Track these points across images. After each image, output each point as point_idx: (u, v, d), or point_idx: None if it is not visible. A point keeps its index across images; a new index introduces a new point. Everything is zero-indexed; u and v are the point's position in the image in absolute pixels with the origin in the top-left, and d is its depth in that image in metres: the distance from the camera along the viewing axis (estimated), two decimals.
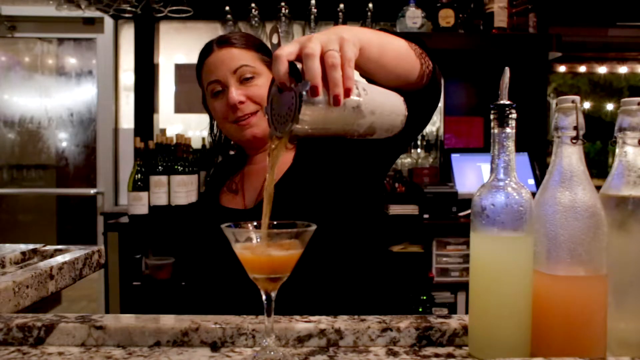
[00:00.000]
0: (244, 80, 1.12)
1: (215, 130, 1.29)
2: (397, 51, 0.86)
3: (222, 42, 1.16)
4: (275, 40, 0.69)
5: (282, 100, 0.67)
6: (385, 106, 0.73)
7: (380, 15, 2.96)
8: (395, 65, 0.85)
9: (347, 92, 0.66)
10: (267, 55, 1.18)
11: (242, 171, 1.23)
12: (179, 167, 2.44)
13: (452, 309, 2.66)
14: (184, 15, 2.82)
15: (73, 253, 1.14)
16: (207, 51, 1.17)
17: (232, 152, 1.31)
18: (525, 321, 0.66)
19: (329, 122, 0.67)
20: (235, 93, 1.11)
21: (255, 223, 0.73)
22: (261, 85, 1.12)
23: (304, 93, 0.64)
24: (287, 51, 0.66)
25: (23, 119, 3.51)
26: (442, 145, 3.18)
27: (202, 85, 1.20)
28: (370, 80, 0.84)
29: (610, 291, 0.66)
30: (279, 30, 0.69)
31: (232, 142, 1.27)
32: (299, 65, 0.66)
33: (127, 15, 2.87)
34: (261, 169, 1.18)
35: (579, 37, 3.24)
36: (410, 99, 0.83)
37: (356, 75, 0.72)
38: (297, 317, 0.80)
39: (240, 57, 1.13)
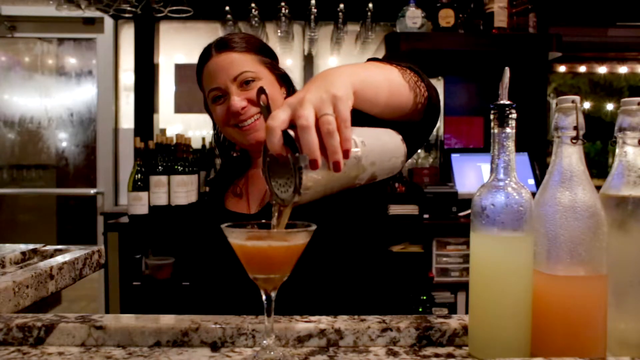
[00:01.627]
0: (244, 84, 1.12)
1: (219, 133, 1.28)
2: (391, 86, 0.83)
3: (220, 46, 1.14)
4: (263, 102, 0.67)
5: (280, 168, 0.66)
6: (384, 154, 0.73)
7: (380, 15, 2.97)
8: (391, 100, 0.83)
9: (346, 154, 0.64)
10: (268, 56, 1.17)
11: (246, 174, 1.23)
12: (179, 167, 2.44)
13: (452, 309, 2.66)
14: (184, 15, 2.82)
15: (73, 253, 1.14)
16: (206, 56, 1.16)
17: (234, 154, 1.31)
18: (525, 321, 0.66)
19: (331, 185, 0.67)
20: (237, 100, 1.10)
21: (255, 223, 0.73)
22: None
23: (303, 167, 0.62)
24: (279, 121, 0.63)
25: (23, 119, 3.51)
26: (442, 145, 3.18)
27: (202, 89, 1.19)
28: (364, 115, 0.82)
29: (610, 291, 0.66)
30: (266, 92, 0.67)
31: (235, 146, 1.27)
32: (293, 134, 0.64)
33: (127, 15, 2.87)
34: None
35: (579, 37, 3.24)
36: (407, 128, 0.83)
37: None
38: (297, 317, 0.80)
39: (240, 62, 1.12)
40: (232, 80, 1.11)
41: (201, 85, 1.19)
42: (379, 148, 0.72)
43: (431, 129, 0.99)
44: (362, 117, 0.77)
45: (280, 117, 0.63)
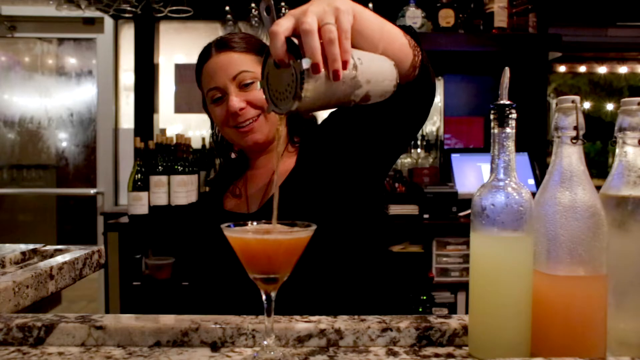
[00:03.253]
0: (243, 86, 1.11)
1: (217, 132, 1.28)
2: (390, 32, 0.84)
3: (220, 46, 1.14)
4: (268, 12, 0.68)
5: (280, 77, 0.67)
6: (379, 73, 0.74)
7: (380, 15, 2.96)
8: (387, 46, 0.83)
9: (345, 65, 0.66)
10: None
11: (245, 175, 1.23)
12: (179, 167, 2.44)
13: (452, 309, 2.66)
14: (184, 15, 2.82)
15: (73, 253, 1.14)
16: (205, 55, 1.16)
17: (233, 155, 1.31)
18: (525, 321, 0.66)
19: (328, 96, 0.68)
20: (236, 100, 1.09)
21: (255, 223, 0.73)
22: (261, 90, 1.11)
23: (305, 71, 0.64)
24: (283, 27, 0.65)
25: (23, 119, 3.51)
26: (442, 145, 3.18)
27: (201, 89, 1.19)
28: None
29: (610, 291, 0.66)
30: (271, 3, 0.69)
31: (233, 146, 1.27)
32: (295, 41, 0.65)
33: (127, 15, 2.87)
34: (264, 173, 1.17)
35: (579, 37, 3.24)
36: (403, 91, 0.83)
37: None
38: (297, 317, 0.80)
39: (239, 62, 1.12)
40: (231, 80, 1.11)
41: (200, 85, 1.19)
42: (374, 67, 0.74)
43: (427, 102, 0.99)
44: None
45: (284, 24, 0.65)
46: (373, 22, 0.79)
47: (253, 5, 2.93)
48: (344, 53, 0.66)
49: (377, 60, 0.76)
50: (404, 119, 1.01)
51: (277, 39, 0.65)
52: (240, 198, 1.19)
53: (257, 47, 1.16)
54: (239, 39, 1.15)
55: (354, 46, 0.77)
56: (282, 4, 2.91)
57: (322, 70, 0.64)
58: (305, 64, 0.64)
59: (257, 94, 1.10)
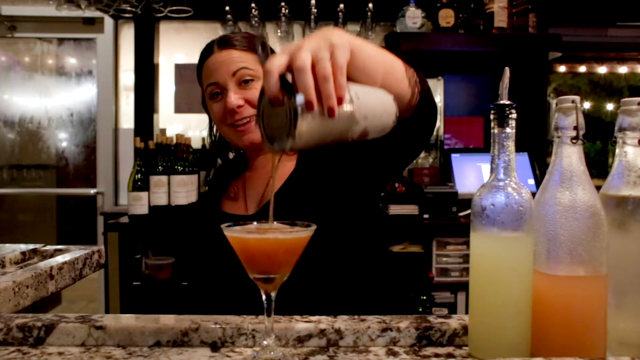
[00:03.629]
0: (242, 83, 1.11)
1: (214, 132, 1.28)
2: (390, 65, 0.82)
3: (223, 43, 1.14)
4: (261, 49, 0.68)
5: (275, 114, 0.66)
6: (377, 109, 0.73)
7: (380, 15, 2.97)
8: (387, 79, 0.81)
9: (340, 101, 0.64)
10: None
11: (243, 176, 1.22)
12: (179, 167, 2.44)
13: (452, 309, 2.66)
14: (184, 15, 2.82)
15: (73, 253, 1.14)
16: (207, 52, 1.16)
17: (231, 154, 1.31)
18: (525, 321, 0.66)
19: (324, 134, 0.67)
20: (234, 97, 1.09)
21: (256, 223, 0.73)
22: (260, 89, 1.11)
23: (299, 108, 0.62)
24: (277, 64, 0.64)
25: (23, 119, 3.51)
26: (442, 145, 3.18)
27: (201, 85, 1.19)
28: None
29: (610, 291, 0.66)
30: (265, 39, 0.68)
31: (231, 145, 1.27)
32: (289, 78, 0.64)
33: (127, 15, 2.87)
34: (263, 174, 1.17)
35: (579, 37, 3.24)
36: (403, 123, 0.82)
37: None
38: (297, 317, 0.80)
39: (240, 59, 1.12)
40: (231, 76, 1.11)
41: (200, 81, 1.19)
42: (372, 102, 0.72)
43: (427, 132, 0.97)
44: None
45: (277, 61, 0.64)
46: (372, 55, 0.77)
47: (253, 5, 2.93)
48: (339, 89, 0.64)
49: (376, 95, 0.74)
50: (405, 146, 1.01)
51: (271, 77, 0.63)
52: (238, 199, 1.19)
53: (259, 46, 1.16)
54: (241, 37, 1.16)
55: (352, 80, 0.76)
56: (282, 3, 2.92)
57: (317, 107, 0.63)
58: (299, 101, 0.62)
59: (256, 92, 1.10)
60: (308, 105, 0.62)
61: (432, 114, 0.94)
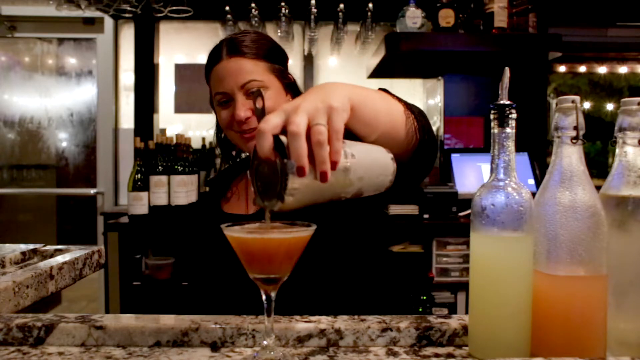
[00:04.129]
0: (251, 94, 1.10)
1: (221, 132, 1.27)
2: (391, 116, 0.81)
3: (232, 50, 1.12)
4: (259, 104, 0.67)
5: (268, 173, 0.65)
6: (373, 169, 0.72)
7: (380, 16, 2.97)
8: (388, 130, 0.81)
9: (334, 165, 0.64)
10: (278, 61, 1.16)
11: (246, 176, 1.23)
12: (179, 167, 2.44)
13: (452, 309, 2.66)
14: (184, 15, 2.82)
15: (73, 253, 1.14)
16: (216, 57, 1.14)
17: (233, 152, 1.31)
18: (525, 321, 0.66)
19: (315, 195, 0.66)
20: (242, 109, 1.09)
21: (256, 223, 0.73)
22: (268, 99, 1.09)
23: (289, 173, 0.62)
24: (271, 125, 0.63)
25: (23, 119, 3.51)
26: (442, 145, 3.18)
27: (209, 86, 1.18)
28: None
29: (610, 291, 0.66)
30: (262, 95, 0.67)
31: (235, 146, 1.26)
32: (283, 139, 0.63)
33: (127, 15, 2.87)
34: None
35: (579, 37, 3.24)
36: (402, 162, 0.82)
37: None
38: (297, 317, 0.80)
39: (249, 70, 1.10)
40: (239, 88, 1.10)
41: (208, 82, 1.18)
42: (368, 163, 0.71)
43: (420, 175, 0.97)
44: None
45: (272, 122, 0.63)
46: (373, 108, 0.76)
47: (253, 5, 2.93)
48: (334, 154, 0.63)
49: (373, 154, 0.73)
50: (405, 180, 1.01)
51: (264, 138, 0.62)
52: (240, 199, 1.19)
53: (268, 52, 1.14)
54: (251, 41, 1.13)
55: (352, 131, 0.76)
56: (282, 3, 2.91)
57: (308, 172, 0.62)
58: (290, 166, 0.62)
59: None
60: (299, 171, 0.61)
61: (431, 154, 0.93)
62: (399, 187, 1.02)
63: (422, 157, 0.91)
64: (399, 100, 0.87)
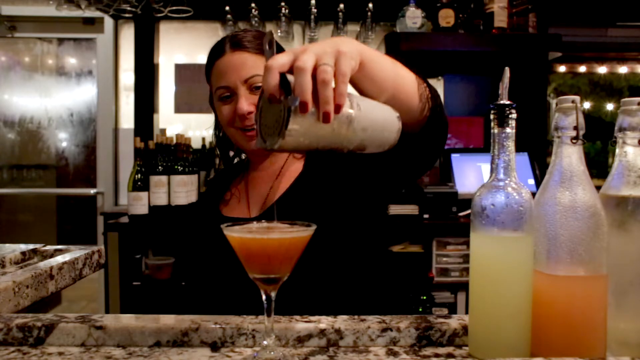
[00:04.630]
0: (254, 89, 1.09)
1: (219, 132, 1.26)
2: (402, 79, 0.80)
3: (235, 44, 1.11)
4: (270, 45, 0.67)
5: (271, 112, 0.65)
6: (377, 123, 0.71)
7: (380, 15, 2.97)
8: (397, 92, 0.79)
9: (338, 109, 0.63)
10: None
11: (246, 177, 1.22)
12: (179, 167, 2.44)
13: (452, 309, 2.66)
14: (184, 15, 2.82)
15: (73, 253, 1.14)
16: (218, 52, 1.13)
17: (232, 153, 1.30)
18: (525, 321, 0.66)
19: (317, 138, 0.66)
20: (245, 104, 1.08)
21: (255, 223, 0.73)
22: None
23: (292, 108, 0.62)
24: (279, 62, 0.63)
25: (23, 119, 3.51)
26: None
27: (210, 84, 1.17)
28: None
29: (610, 291, 0.66)
30: (273, 36, 0.67)
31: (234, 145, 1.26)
32: (290, 78, 0.64)
33: (127, 15, 2.87)
34: (266, 176, 1.16)
35: (579, 37, 3.24)
36: (413, 137, 0.81)
37: (350, 88, 0.69)
38: (297, 317, 0.80)
39: (252, 64, 1.09)
40: (243, 82, 1.09)
41: (209, 79, 1.17)
42: (373, 116, 0.71)
43: (434, 149, 0.96)
44: None
45: (280, 60, 0.64)
46: (383, 67, 0.76)
47: (253, 5, 2.92)
48: (338, 96, 0.63)
49: (380, 110, 0.73)
50: (414, 159, 1.00)
51: (271, 73, 0.63)
52: (240, 202, 1.18)
53: None
54: (253, 37, 1.13)
55: (361, 92, 0.75)
56: (282, 3, 2.91)
57: (311, 109, 0.62)
58: (293, 102, 0.62)
59: None
60: (302, 107, 0.61)
61: (442, 129, 0.93)
62: (410, 167, 1.01)
63: (433, 129, 0.90)
64: (410, 70, 0.86)
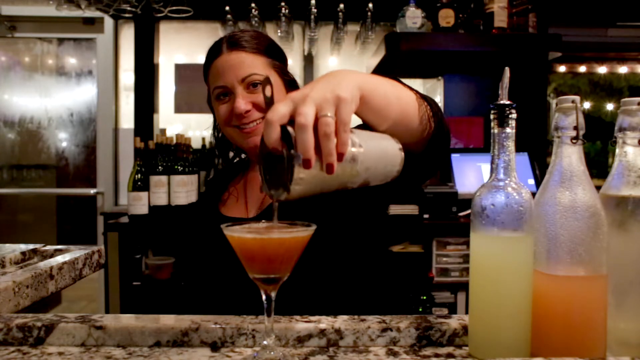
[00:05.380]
0: (251, 87, 1.10)
1: (218, 132, 1.27)
2: (402, 103, 0.80)
3: (232, 44, 1.12)
4: (268, 92, 0.67)
5: (275, 163, 0.65)
6: (380, 160, 0.71)
7: (380, 15, 2.97)
8: (400, 119, 0.79)
9: (341, 157, 0.63)
10: (278, 59, 1.15)
11: (245, 177, 1.22)
12: (179, 167, 2.44)
13: (452, 309, 2.66)
14: (184, 15, 2.82)
15: (73, 253, 1.14)
16: (215, 52, 1.14)
17: (231, 153, 1.30)
18: (525, 321, 0.66)
19: (321, 187, 0.66)
20: (242, 102, 1.08)
21: (256, 223, 0.73)
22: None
23: (296, 164, 0.62)
24: (279, 115, 0.63)
25: (23, 119, 3.51)
26: None
27: (207, 84, 1.18)
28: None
29: (610, 291, 0.66)
30: (271, 83, 0.67)
31: (233, 145, 1.26)
32: (291, 130, 0.63)
33: (127, 15, 2.87)
34: None
35: (579, 37, 3.24)
36: (416, 157, 0.81)
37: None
38: (297, 317, 0.80)
39: (250, 63, 1.10)
40: (240, 81, 1.10)
41: (207, 80, 1.18)
42: (376, 154, 0.71)
43: (436, 163, 0.96)
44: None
45: (280, 111, 0.63)
46: (384, 96, 0.75)
47: (253, 5, 2.92)
48: (341, 146, 0.63)
49: (381, 144, 0.72)
50: (416, 174, 1.00)
51: (272, 129, 0.62)
52: (238, 201, 1.18)
53: (268, 48, 1.14)
54: (250, 37, 1.14)
55: (363, 121, 0.75)
56: (282, 3, 2.91)
57: (315, 163, 0.62)
58: (296, 159, 0.62)
59: None
60: (305, 164, 0.61)
61: (444, 144, 0.93)
62: (412, 180, 1.01)
63: (436, 147, 0.90)
64: (411, 89, 0.86)
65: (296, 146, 0.62)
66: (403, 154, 0.75)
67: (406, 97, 0.82)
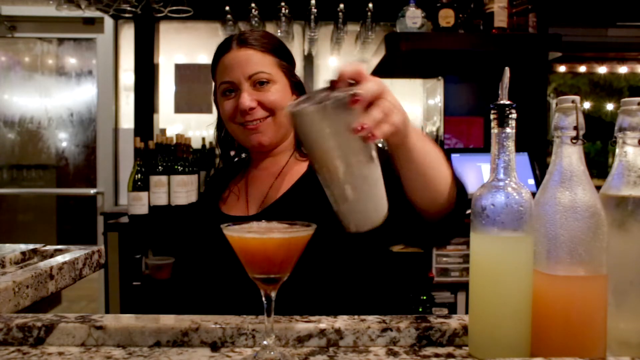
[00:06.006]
0: (257, 85, 1.10)
1: (222, 130, 1.26)
2: (437, 169, 0.84)
3: (241, 41, 1.13)
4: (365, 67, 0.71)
5: (323, 92, 0.69)
6: (372, 196, 0.71)
7: (380, 15, 2.97)
8: (427, 178, 0.83)
9: (367, 138, 0.67)
10: (285, 60, 1.16)
11: (245, 176, 1.22)
12: (179, 167, 2.44)
13: (452, 309, 2.66)
14: (184, 15, 2.82)
15: (73, 253, 1.14)
16: (225, 48, 1.14)
17: (232, 152, 1.30)
18: (525, 321, 0.66)
19: (329, 137, 0.67)
20: (248, 99, 1.09)
21: (255, 223, 0.73)
22: (274, 92, 1.10)
23: (344, 94, 0.65)
24: (367, 87, 0.68)
25: (23, 119, 3.51)
26: (442, 145, 3.18)
27: (214, 80, 1.18)
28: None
29: (610, 291, 0.66)
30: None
31: (235, 143, 1.26)
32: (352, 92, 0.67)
33: (127, 15, 2.87)
34: (266, 175, 1.16)
35: (579, 37, 3.24)
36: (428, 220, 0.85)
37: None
38: (297, 317, 0.80)
39: (258, 62, 1.11)
40: (247, 78, 1.10)
41: (214, 75, 1.18)
42: (375, 185, 0.72)
43: (439, 240, 1.00)
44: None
45: (370, 87, 0.68)
46: (426, 149, 0.82)
47: (253, 5, 2.92)
48: (384, 125, 0.68)
49: (380, 187, 0.73)
50: (421, 239, 1.05)
51: (357, 70, 0.69)
52: (239, 200, 1.19)
53: (277, 48, 1.15)
54: (260, 36, 1.14)
55: (395, 160, 0.81)
56: (282, 3, 2.91)
57: (356, 107, 0.65)
58: (352, 90, 0.66)
59: (270, 95, 1.10)
60: (353, 99, 0.65)
61: (454, 229, 0.94)
62: (418, 240, 1.07)
63: (446, 228, 0.92)
64: (449, 166, 0.89)
65: (362, 95, 0.66)
66: (387, 213, 0.74)
67: (445, 169, 0.86)
